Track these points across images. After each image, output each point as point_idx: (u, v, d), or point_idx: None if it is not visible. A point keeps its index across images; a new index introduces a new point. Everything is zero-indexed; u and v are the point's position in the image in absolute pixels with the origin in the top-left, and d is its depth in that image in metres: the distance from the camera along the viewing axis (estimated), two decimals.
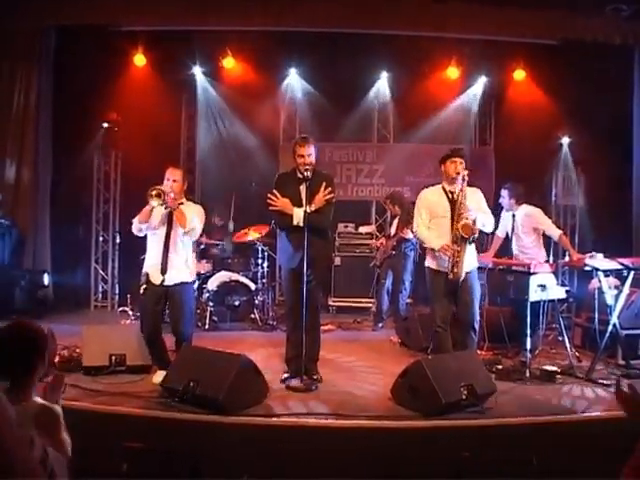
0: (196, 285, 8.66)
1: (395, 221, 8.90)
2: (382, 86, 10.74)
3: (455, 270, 5.74)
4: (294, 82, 10.57)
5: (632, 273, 6.72)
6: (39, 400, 2.83)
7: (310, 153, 5.93)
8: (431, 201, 6.03)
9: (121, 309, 9.49)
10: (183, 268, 5.94)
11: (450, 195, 5.92)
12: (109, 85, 9.67)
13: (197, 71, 10.38)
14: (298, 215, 5.76)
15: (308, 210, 5.78)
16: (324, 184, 5.86)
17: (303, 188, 5.84)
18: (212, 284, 8.71)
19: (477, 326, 5.96)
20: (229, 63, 10.06)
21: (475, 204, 5.86)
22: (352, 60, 9.67)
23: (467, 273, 5.82)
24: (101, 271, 10.57)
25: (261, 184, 9.99)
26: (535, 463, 4.17)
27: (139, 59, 9.88)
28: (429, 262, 6.04)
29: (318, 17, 9.06)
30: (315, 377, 5.95)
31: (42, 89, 9.44)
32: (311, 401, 5.40)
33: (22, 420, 2.54)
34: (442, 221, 5.89)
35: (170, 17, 9.03)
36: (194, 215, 6.04)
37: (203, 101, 10.76)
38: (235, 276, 8.86)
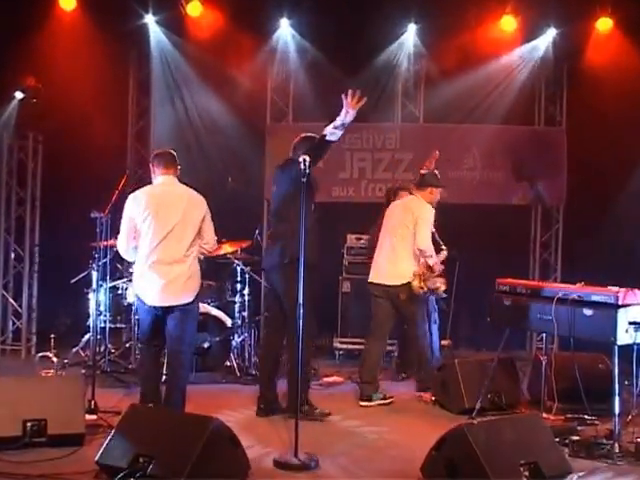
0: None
1: None
2: (408, 43, 10.78)
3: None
4: (286, 38, 10.60)
5: None
6: None
7: None
8: None
9: (41, 354, 9.44)
10: None
11: None
12: (24, 39, 9.55)
13: (150, 20, 10.37)
14: None
15: None
16: None
17: None
18: None
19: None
20: (195, 9, 10.07)
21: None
22: (367, 7, 9.72)
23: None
24: (12, 301, 10.49)
25: (241, 179, 10.05)
26: None
27: (67, 2, 9.87)
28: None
29: None
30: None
31: None
32: None
33: None
34: None
35: None
36: None
37: (159, 63, 10.80)
38: (204, 307, 8.86)
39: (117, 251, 6.99)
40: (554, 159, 11.10)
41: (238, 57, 10.42)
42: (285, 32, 10.56)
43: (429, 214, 7.93)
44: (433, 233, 8.13)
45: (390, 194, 9.18)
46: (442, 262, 8.49)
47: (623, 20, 10.20)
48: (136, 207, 6.56)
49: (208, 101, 10.84)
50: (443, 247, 8.35)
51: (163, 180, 6.84)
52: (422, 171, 8.28)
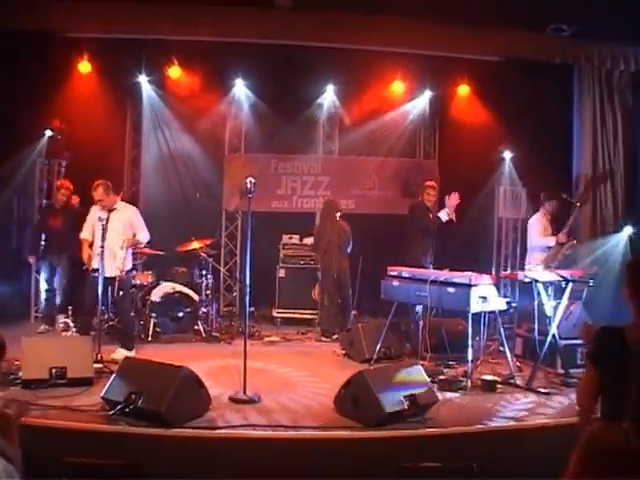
0: (139, 296, 8.65)
1: None
2: (328, 99, 10.77)
3: None
4: (240, 93, 10.54)
5: (570, 285, 6.97)
6: None
7: None
8: None
9: (62, 321, 9.26)
10: None
11: None
12: (53, 92, 9.49)
13: (143, 80, 10.27)
14: None
15: None
16: None
17: None
18: (155, 295, 8.65)
19: None
20: (175, 72, 10.00)
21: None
22: (299, 72, 9.73)
23: None
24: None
25: (206, 195, 10.05)
26: (475, 470, 4.28)
27: (84, 66, 9.74)
28: None
29: (265, 29, 9.11)
30: None
31: None
32: (254, 413, 5.43)
33: None
34: None
35: (116, 24, 8.94)
36: None
37: (149, 110, 10.67)
38: (179, 287, 8.83)
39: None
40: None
41: (205, 106, 10.35)
42: (240, 89, 10.48)
43: None
44: None
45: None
46: None
47: (477, 87, 10.38)
48: None
49: (183, 138, 10.76)
50: None
51: None
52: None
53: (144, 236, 7.68)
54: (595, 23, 8.90)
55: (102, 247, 7.09)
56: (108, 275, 7.22)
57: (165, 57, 9.83)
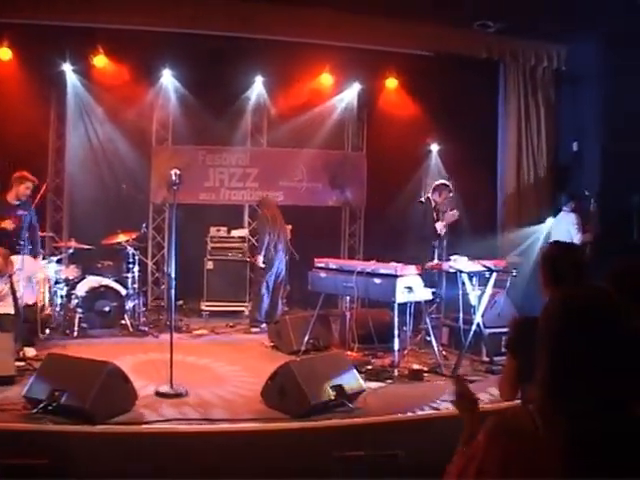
0: (64, 291, 8.46)
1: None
2: (257, 90, 10.72)
3: None
4: (168, 83, 10.40)
5: (494, 274, 7.18)
6: None
7: None
8: None
9: None
10: None
11: None
12: None
13: (67, 68, 9.99)
14: None
15: None
16: None
17: None
18: (81, 290, 8.47)
19: None
20: (101, 61, 9.77)
21: None
22: (227, 63, 9.64)
23: None
24: None
25: (132, 187, 9.89)
26: (401, 458, 4.37)
27: (4, 53, 9.39)
28: None
29: (194, 19, 8.99)
30: None
31: None
32: (181, 407, 5.42)
33: None
34: None
35: (39, 10, 8.68)
36: None
37: (73, 100, 10.38)
38: (105, 281, 8.67)
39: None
40: (358, 174, 11.34)
41: (132, 97, 10.15)
42: (167, 80, 10.33)
43: None
44: None
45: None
46: None
47: (405, 80, 10.49)
48: None
49: (109, 129, 10.51)
50: None
51: None
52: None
53: None
54: (520, 21, 9.17)
55: None
56: None
57: (91, 45, 9.58)
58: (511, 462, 1.75)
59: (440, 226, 8.13)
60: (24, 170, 7.43)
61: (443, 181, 8.52)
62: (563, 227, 8.99)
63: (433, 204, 8.26)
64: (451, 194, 8.30)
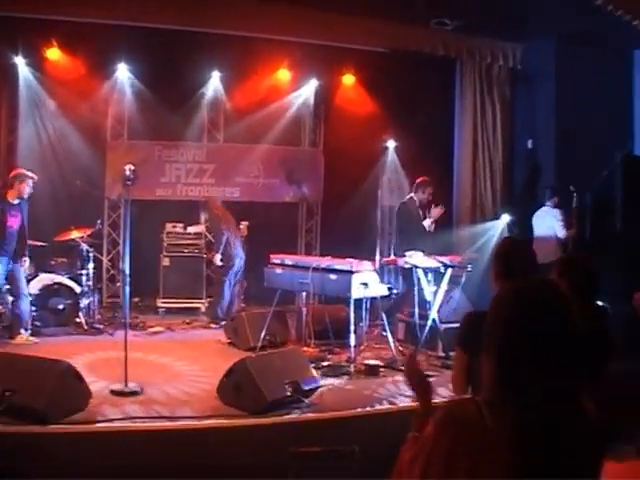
0: None
1: None
2: (214, 85, 10.63)
3: None
4: (123, 78, 10.24)
5: (450, 270, 7.27)
6: None
7: None
8: None
9: None
10: None
11: None
12: None
13: (19, 61, 9.78)
14: None
15: None
16: None
17: None
18: (34, 287, 8.33)
19: None
20: (54, 54, 9.60)
21: None
22: (184, 58, 9.56)
23: None
24: None
25: (87, 183, 9.75)
26: (357, 453, 4.40)
27: None
28: None
29: (150, 13, 8.89)
30: None
31: None
32: (136, 405, 5.37)
33: None
34: None
35: None
36: None
37: (26, 94, 10.17)
38: (58, 278, 8.55)
39: None
40: (314, 170, 11.35)
41: (86, 91, 10.01)
42: (122, 73, 10.17)
43: None
44: None
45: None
46: None
47: (362, 77, 10.52)
48: None
49: (63, 123, 10.34)
50: None
51: None
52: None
53: None
54: (476, 19, 9.28)
55: None
56: None
57: (44, 38, 9.41)
58: (459, 452, 1.77)
59: (428, 223, 8.19)
60: None
61: (425, 177, 8.48)
62: (547, 222, 9.04)
63: (417, 203, 8.28)
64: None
